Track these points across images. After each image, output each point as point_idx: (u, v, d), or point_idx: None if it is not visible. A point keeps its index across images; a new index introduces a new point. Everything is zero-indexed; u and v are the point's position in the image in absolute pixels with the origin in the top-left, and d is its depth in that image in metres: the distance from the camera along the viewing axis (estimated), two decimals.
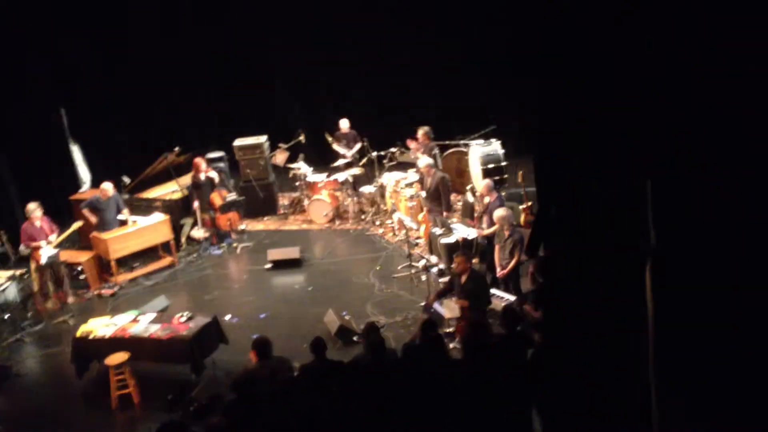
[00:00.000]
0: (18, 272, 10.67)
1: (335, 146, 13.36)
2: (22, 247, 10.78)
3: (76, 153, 14.68)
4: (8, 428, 6.53)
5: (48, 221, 10.87)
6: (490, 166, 11.90)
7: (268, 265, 11.51)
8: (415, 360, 6.54)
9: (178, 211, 12.57)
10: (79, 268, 11.42)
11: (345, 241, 12.29)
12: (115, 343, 8.59)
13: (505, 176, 11.95)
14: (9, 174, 13.18)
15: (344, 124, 13.35)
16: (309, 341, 6.88)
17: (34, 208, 10.69)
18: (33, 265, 10.78)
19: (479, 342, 6.66)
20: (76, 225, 11.36)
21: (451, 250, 9.78)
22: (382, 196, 12.85)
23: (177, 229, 12.42)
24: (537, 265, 7.83)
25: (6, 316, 10.36)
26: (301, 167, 13.21)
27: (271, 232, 13.04)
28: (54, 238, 10.72)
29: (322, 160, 13.90)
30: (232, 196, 12.77)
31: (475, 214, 10.28)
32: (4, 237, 11.14)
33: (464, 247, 9.77)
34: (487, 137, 12.46)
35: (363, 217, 12.90)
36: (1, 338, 10.12)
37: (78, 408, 8.68)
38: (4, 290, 10.27)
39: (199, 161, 12.35)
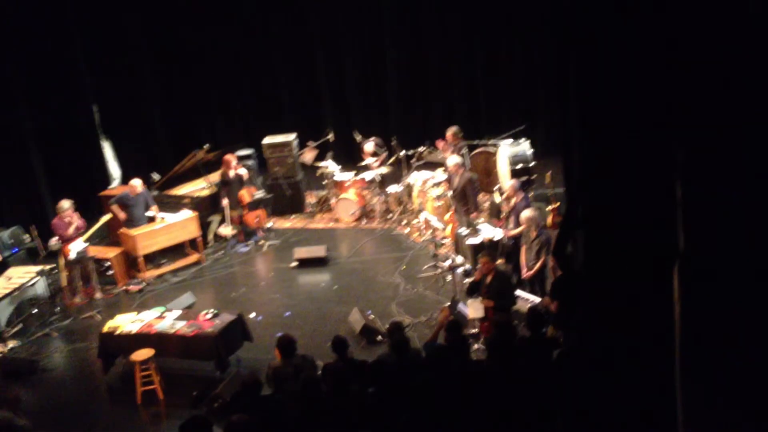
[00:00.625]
0: (47, 267, 10.78)
1: (366, 143, 13.24)
2: (52, 242, 10.90)
3: (107, 149, 14.82)
4: (35, 422, 6.59)
5: (79, 217, 10.98)
6: (519, 166, 11.79)
7: (294, 264, 11.51)
8: (439, 360, 6.48)
9: (206, 208, 12.62)
10: (107, 264, 11.51)
11: (371, 241, 12.25)
12: (141, 339, 8.64)
13: (534, 177, 11.85)
14: (41, 169, 13.34)
15: (369, 147, 13.13)
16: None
17: (67, 207, 10.80)
18: (62, 261, 10.89)
19: (504, 343, 6.58)
20: (104, 219, 11.46)
21: (477, 250, 9.70)
22: (409, 195, 12.79)
23: (205, 226, 12.47)
24: (555, 258, 7.72)
25: (34, 311, 10.48)
26: (329, 166, 13.19)
27: (297, 230, 13.05)
28: (77, 251, 10.76)
29: (350, 158, 13.89)
30: (260, 194, 12.80)
31: (502, 215, 10.18)
32: (34, 232, 11.27)
33: (489, 247, 9.68)
34: (516, 137, 12.35)
35: (389, 216, 12.85)
36: (29, 332, 10.23)
37: (103, 403, 8.76)
38: (33, 285, 10.38)
39: (230, 158, 12.40)
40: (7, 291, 10.07)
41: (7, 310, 10.07)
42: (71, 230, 10.78)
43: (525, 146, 12.02)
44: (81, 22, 14.05)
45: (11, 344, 9.95)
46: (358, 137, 13.26)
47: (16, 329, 10.22)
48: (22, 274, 10.46)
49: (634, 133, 4.58)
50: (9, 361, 9.53)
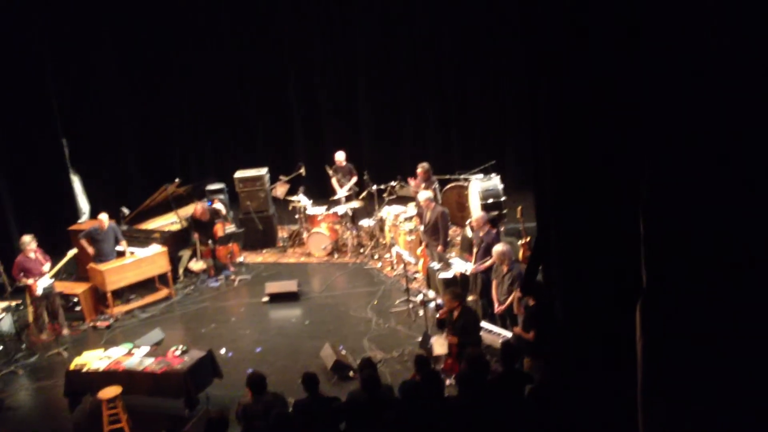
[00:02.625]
0: (14, 303, 10.59)
1: (333, 180, 13.33)
2: (20, 278, 10.73)
3: (76, 183, 14.67)
4: None
5: (41, 252, 10.83)
6: (490, 200, 11.89)
7: (266, 299, 11.44)
8: (411, 397, 6.44)
9: (176, 242, 12.52)
10: (75, 300, 11.34)
11: (343, 275, 12.22)
12: (109, 376, 8.49)
13: (505, 211, 11.94)
14: (9, 204, 13.17)
15: (340, 156, 13.28)
16: None
17: (29, 241, 10.66)
18: (29, 297, 10.71)
19: (476, 378, 6.57)
20: (71, 253, 11.32)
21: (449, 284, 9.72)
22: (381, 229, 12.81)
23: (175, 260, 12.36)
24: (526, 289, 7.79)
25: (0, 348, 10.27)
26: (301, 200, 13.19)
27: (269, 264, 12.98)
28: (48, 267, 10.67)
29: (322, 193, 13.91)
30: (231, 228, 12.73)
31: (474, 249, 10.24)
32: (0, 267, 11.08)
33: (460, 282, 9.72)
34: (486, 172, 12.47)
35: (362, 250, 12.85)
36: None
37: None
38: None
39: (200, 209, 12.27)
40: None
41: None
42: (44, 268, 10.62)
43: (496, 181, 12.13)
44: (51, 55, 13.99)
45: None
46: (329, 171, 13.30)
47: None
48: None
49: (601, 164, 4.66)
50: None
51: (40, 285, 10.51)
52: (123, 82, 14.98)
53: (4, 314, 10.28)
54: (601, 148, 4.62)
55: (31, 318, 10.83)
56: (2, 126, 13.15)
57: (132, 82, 15.07)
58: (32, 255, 10.62)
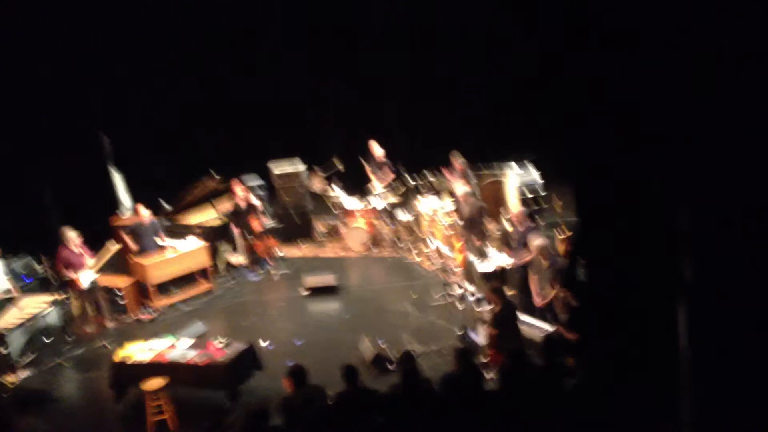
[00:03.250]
0: (60, 296, 10.82)
1: (370, 174, 13.33)
2: (64, 272, 10.95)
3: (118, 179, 14.91)
4: None
5: (85, 247, 11.03)
6: (529, 194, 11.82)
7: (305, 292, 11.53)
8: (451, 390, 6.45)
9: (216, 237, 12.68)
10: (119, 293, 11.56)
11: (381, 269, 12.26)
12: (153, 368, 8.65)
13: (544, 205, 11.86)
14: (51, 199, 13.43)
15: (377, 150, 13.29)
16: None
17: (72, 236, 10.86)
18: (74, 290, 10.94)
19: (516, 372, 6.56)
20: (115, 248, 11.52)
21: (488, 278, 9.70)
22: (419, 224, 12.82)
23: (215, 254, 12.52)
24: (567, 288, 7.73)
25: (47, 341, 10.52)
26: (339, 194, 13.25)
27: (308, 258, 13.08)
28: (91, 262, 10.87)
29: (360, 187, 13.95)
30: (270, 223, 12.85)
31: (513, 243, 10.20)
32: (46, 262, 11.33)
33: (498, 276, 9.70)
34: (525, 165, 12.39)
35: (400, 244, 12.88)
36: (42, 362, 10.26)
37: None
38: (46, 315, 10.41)
39: (239, 187, 12.48)
40: (21, 321, 10.10)
41: (20, 340, 10.10)
42: (87, 262, 10.84)
43: (535, 175, 12.06)
44: (94, 52, 14.21)
45: (24, 374, 9.97)
46: (367, 165, 13.31)
47: (29, 359, 10.27)
48: (35, 304, 10.50)
49: (644, 162, 4.61)
50: (25, 390, 9.53)
51: (85, 279, 10.73)
52: (167, 78, 15.15)
53: (51, 308, 10.50)
54: (642, 143, 4.58)
55: (76, 311, 11.05)
56: (45, 121, 13.39)
57: (175, 77, 15.23)
58: (75, 249, 10.83)
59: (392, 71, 14.96)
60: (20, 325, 10.05)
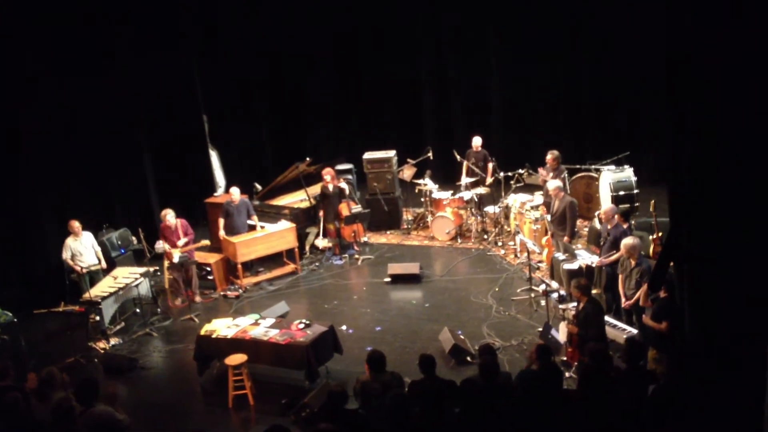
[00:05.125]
0: (151, 269, 11.19)
1: (462, 165, 13.22)
2: (157, 245, 11.33)
3: (215, 158, 15.32)
4: (130, 417, 6.82)
5: (184, 225, 11.36)
6: (621, 192, 11.51)
7: (388, 279, 11.56)
8: (529, 387, 6.34)
9: (304, 219, 12.86)
10: (208, 269, 11.88)
11: (465, 260, 12.18)
12: (236, 344, 8.85)
13: (636, 204, 11.52)
14: (151, 174, 13.92)
15: (477, 141, 13.19)
16: None
17: (167, 214, 11.21)
18: (165, 263, 11.31)
19: (598, 374, 6.39)
20: (203, 243, 11.80)
21: (573, 276, 9.48)
22: (506, 217, 12.66)
23: (302, 237, 12.70)
24: (656, 284, 7.47)
25: (137, 310, 10.92)
26: (428, 183, 13.22)
27: (393, 246, 13.11)
28: (182, 242, 11.18)
29: (449, 177, 13.88)
30: (357, 208, 12.94)
31: (601, 242, 9.94)
32: (141, 234, 11.74)
33: (584, 274, 9.46)
34: (619, 163, 12.06)
35: (485, 236, 12.75)
36: (130, 331, 10.66)
37: (196, 404, 8.97)
38: (137, 285, 10.79)
39: (329, 172, 12.61)
40: (113, 290, 10.51)
41: (112, 307, 10.52)
42: (180, 243, 11.18)
43: (629, 173, 11.73)
44: (195, 36, 14.63)
45: (114, 341, 10.38)
46: (458, 157, 13.23)
47: (119, 327, 10.69)
48: (127, 275, 10.90)
49: (740, 162, 4.42)
50: (111, 358, 9.93)
51: (177, 253, 11.09)
52: (262, 61, 15.46)
53: (142, 279, 10.89)
54: (741, 146, 4.39)
55: (166, 284, 11.43)
56: (149, 102, 13.86)
57: (272, 62, 15.52)
58: (172, 224, 11.18)
59: (493, 65, 14.84)
60: (112, 294, 10.45)
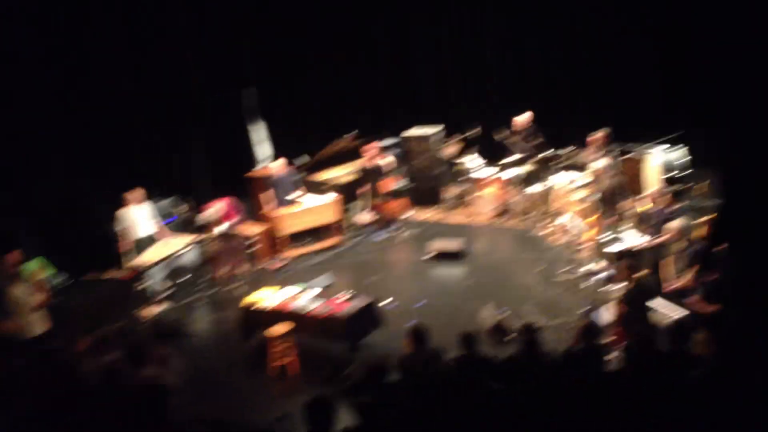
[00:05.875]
0: (199, 237, 11.36)
1: (508, 142, 13.08)
2: (204, 214, 11.46)
3: (262, 130, 15.39)
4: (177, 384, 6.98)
5: (236, 205, 11.48)
6: (673, 173, 11.29)
7: (429, 255, 11.56)
8: (570, 366, 6.32)
9: (348, 193, 12.89)
10: (253, 240, 12.01)
11: (508, 239, 12.11)
12: (279, 314, 8.95)
13: (689, 185, 11.29)
14: (201, 145, 14.03)
15: (525, 117, 12.92)
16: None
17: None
18: (212, 233, 11.45)
19: (643, 355, 6.34)
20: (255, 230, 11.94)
21: (620, 256, 9.37)
22: (551, 196, 12.53)
23: (346, 211, 12.75)
24: (706, 266, 7.36)
25: (185, 278, 11.10)
26: (472, 161, 13.13)
27: (435, 222, 13.09)
28: (226, 227, 11.30)
29: (493, 155, 13.76)
30: (401, 184, 12.93)
31: (650, 223, 9.79)
32: (191, 203, 11.89)
33: (631, 255, 9.34)
34: (672, 143, 11.82)
35: (529, 215, 12.65)
36: (177, 298, 10.86)
37: (239, 372, 9.10)
38: (185, 253, 10.97)
39: (372, 147, 12.61)
40: (163, 257, 10.69)
41: (161, 273, 10.72)
42: (227, 223, 11.31)
43: (681, 153, 11.49)
44: (247, 8, 14.65)
45: (161, 308, 10.58)
46: (506, 133, 13.05)
47: (166, 294, 10.89)
48: (177, 242, 11.08)
49: None
50: (159, 324, 10.13)
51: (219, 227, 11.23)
52: (314, 36, 15.43)
53: (189, 248, 11.05)
54: None
55: (212, 253, 11.58)
56: (198, 73, 13.95)
57: (322, 37, 15.48)
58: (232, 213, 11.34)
59: (542, 44, 14.65)
60: (160, 262, 10.63)
